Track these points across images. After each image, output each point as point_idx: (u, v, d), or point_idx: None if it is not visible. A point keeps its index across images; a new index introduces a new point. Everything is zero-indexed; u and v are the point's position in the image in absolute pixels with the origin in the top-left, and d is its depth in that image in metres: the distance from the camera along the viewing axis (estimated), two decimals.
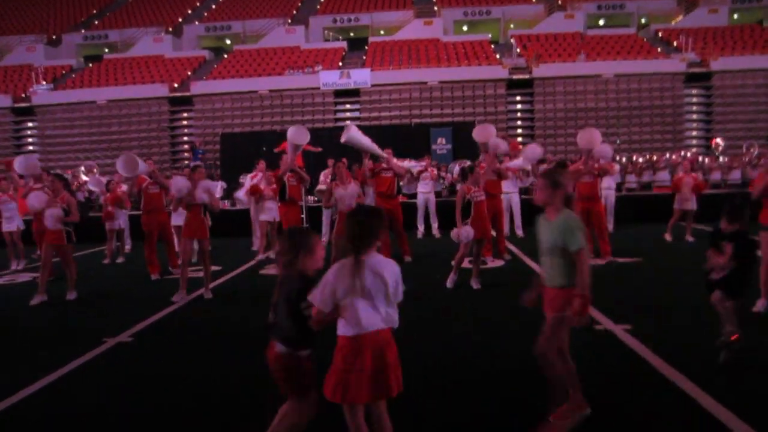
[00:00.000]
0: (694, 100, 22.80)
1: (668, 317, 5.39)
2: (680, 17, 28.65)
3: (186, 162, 22.70)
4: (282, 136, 17.15)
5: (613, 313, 5.37)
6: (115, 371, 4.51)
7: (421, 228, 12.09)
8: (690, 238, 9.99)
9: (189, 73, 26.21)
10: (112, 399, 3.94)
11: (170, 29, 31.24)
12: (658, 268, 7.85)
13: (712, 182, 14.93)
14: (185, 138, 24.06)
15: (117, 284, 8.41)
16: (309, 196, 13.09)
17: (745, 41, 24.70)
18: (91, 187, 12.69)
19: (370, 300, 2.53)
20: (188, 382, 4.19)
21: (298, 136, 8.45)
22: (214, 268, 8.96)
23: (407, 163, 12.49)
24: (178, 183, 7.03)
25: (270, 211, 9.94)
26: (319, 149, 15.10)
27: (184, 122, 24.45)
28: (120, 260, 10.67)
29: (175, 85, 24.87)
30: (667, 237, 10.18)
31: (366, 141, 8.64)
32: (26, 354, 5.14)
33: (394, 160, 9.50)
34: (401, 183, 10.47)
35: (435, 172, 12.30)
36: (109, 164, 22.48)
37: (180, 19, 32.84)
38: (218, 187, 17.76)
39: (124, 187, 11.11)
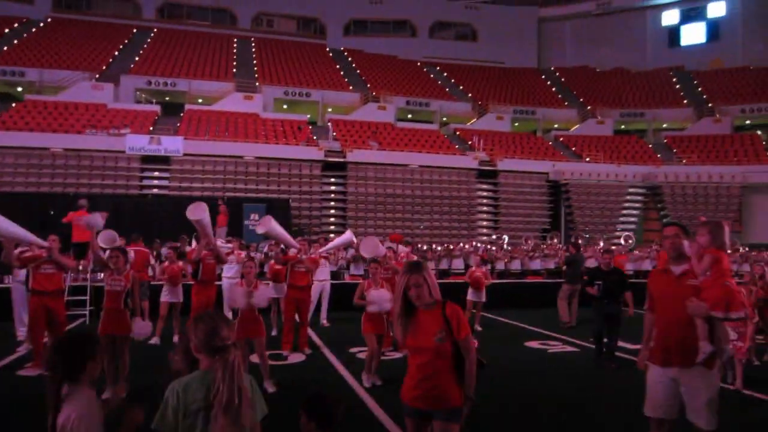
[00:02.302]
0: (485, 194, 25.83)
1: None
2: (474, 120, 32.78)
3: None
4: (74, 201, 15.56)
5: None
6: None
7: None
8: (478, 327, 10.97)
9: None
10: None
11: None
12: None
13: (497, 271, 16.73)
14: None
15: None
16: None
17: (523, 147, 28.99)
18: None
19: None
20: None
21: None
22: None
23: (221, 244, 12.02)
24: None
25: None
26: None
27: None
28: None
29: None
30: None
31: (283, 233, 8.50)
32: None
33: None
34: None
35: (243, 254, 11.95)
36: None
37: None
38: None
39: None
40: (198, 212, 7.77)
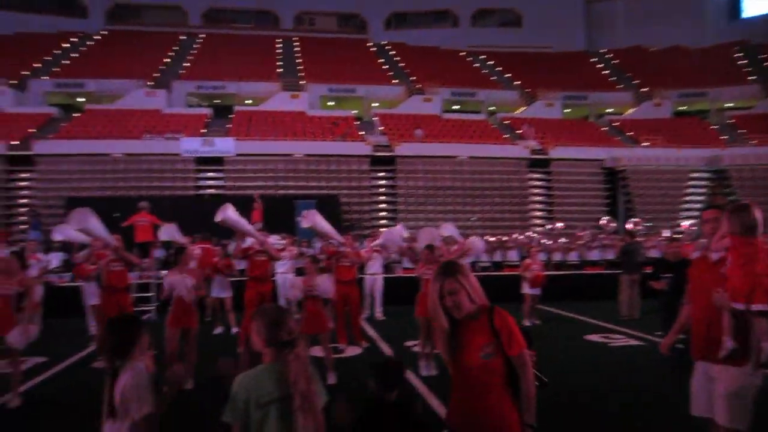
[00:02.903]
0: (537, 183, 25.20)
1: None
2: (523, 108, 32.04)
3: (22, 227, 20.36)
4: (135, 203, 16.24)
5: None
6: None
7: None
8: (536, 321, 10.70)
9: (32, 130, 23.92)
10: None
11: (13, 82, 28.62)
12: None
13: (554, 262, 16.28)
14: (23, 201, 21.64)
15: None
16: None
17: (576, 133, 28.11)
18: None
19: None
20: None
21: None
22: (38, 359, 7.93)
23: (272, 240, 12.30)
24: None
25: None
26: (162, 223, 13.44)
27: (23, 183, 22.06)
28: None
29: (15, 143, 22.48)
30: (526, 322, 10.57)
31: (327, 226, 8.71)
32: None
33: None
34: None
35: (295, 250, 12.11)
36: None
37: (25, 73, 30.25)
38: (56, 259, 16.05)
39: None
40: (220, 214, 7.76)
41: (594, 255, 17.33)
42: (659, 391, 6.18)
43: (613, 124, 30.42)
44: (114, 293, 7.56)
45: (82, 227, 7.29)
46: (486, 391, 2.62)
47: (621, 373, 7.04)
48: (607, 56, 40.37)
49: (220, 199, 19.88)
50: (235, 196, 20.23)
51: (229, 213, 7.61)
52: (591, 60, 40.06)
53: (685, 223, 20.45)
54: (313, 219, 8.56)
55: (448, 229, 10.36)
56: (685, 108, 33.81)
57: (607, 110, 33.69)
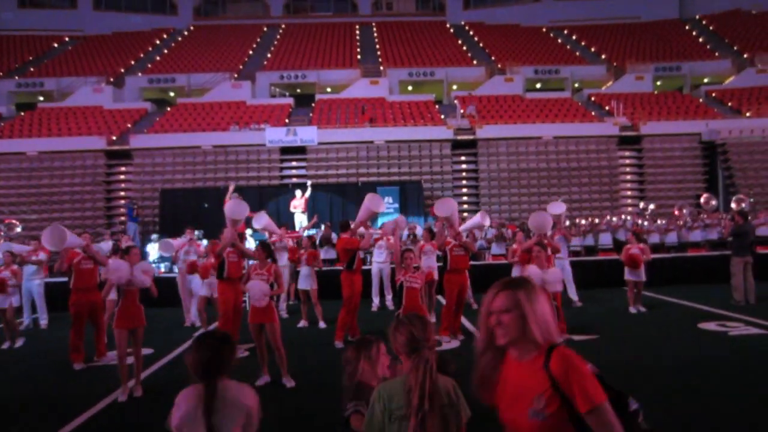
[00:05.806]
0: (627, 161, 23.95)
1: None
2: (610, 83, 30.47)
3: (122, 219, 21.71)
4: (225, 194, 16.79)
5: None
6: None
7: (376, 300, 11.53)
8: (642, 308, 10.17)
9: (129, 125, 25.39)
10: None
11: (111, 80, 30.45)
12: (619, 347, 7.62)
13: (651, 245, 15.41)
14: (122, 193, 23.04)
15: (26, 376, 7.25)
16: None
17: (669, 107, 26.41)
18: None
19: None
20: None
21: (236, 210, 7.80)
22: (144, 351, 8.21)
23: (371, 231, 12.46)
24: (120, 268, 6.12)
25: (209, 287, 9.23)
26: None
27: (122, 177, 23.46)
28: (18, 343, 9.15)
29: (114, 138, 23.94)
30: (632, 309, 10.10)
31: (457, 216, 8.63)
32: None
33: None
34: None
35: (391, 240, 12.08)
36: (35, 220, 21.20)
37: (122, 70, 32.15)
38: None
39: (42, 255, 10.37)
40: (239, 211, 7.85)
41: (696, 236, 16.27)
42: None
43: (711, 95, 28.34)
44: (233, 284, 7.76)
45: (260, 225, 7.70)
46: None
47: (747, 365, 6.50)
48: (702, 22, 37.60)
49: (303, 188, 20.45)
50: (319, 185, 20.70)
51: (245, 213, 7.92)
52: (685, 27, 37.45)
53: None
54: (451, 207, 8.28)
55: (557, 207, 9.62)
56: None
57: (704, 80, 31.42)
